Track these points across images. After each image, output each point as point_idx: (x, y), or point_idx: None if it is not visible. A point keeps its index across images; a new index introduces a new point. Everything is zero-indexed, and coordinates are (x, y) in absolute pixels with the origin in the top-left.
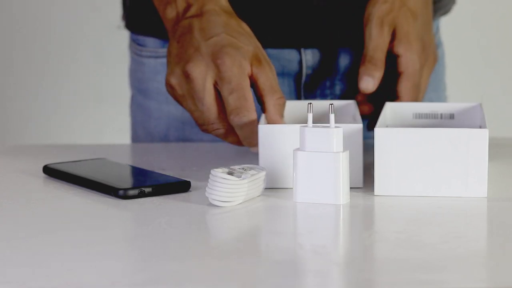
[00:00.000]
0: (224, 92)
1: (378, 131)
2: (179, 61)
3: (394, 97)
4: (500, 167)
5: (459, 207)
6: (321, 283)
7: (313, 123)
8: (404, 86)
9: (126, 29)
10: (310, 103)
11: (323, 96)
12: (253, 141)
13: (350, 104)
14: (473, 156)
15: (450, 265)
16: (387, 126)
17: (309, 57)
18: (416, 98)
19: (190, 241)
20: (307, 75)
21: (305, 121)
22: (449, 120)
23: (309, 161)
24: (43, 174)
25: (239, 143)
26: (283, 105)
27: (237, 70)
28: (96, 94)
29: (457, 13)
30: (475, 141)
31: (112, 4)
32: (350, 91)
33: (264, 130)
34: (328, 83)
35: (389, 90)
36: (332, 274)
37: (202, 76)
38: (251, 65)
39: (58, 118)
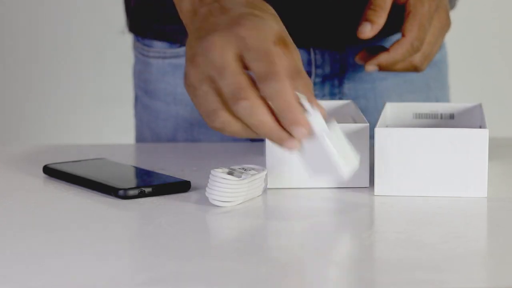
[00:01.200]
0: (250, 60)
1: (378, 131)
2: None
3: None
4: (500, 167)
5: (459, 207)
6: (321, 283)
7: None
8: (409, 23)
9: (130, 33)
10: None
11: (332, 95)
12: (294, 118)
13: (349, 104)
14: (473, 156)
15: (450, 265)
16: (387, 126)
17: (319, 56)
18: (422, 40)
19: (190, 241)
20: (317, 75)
21: None
22: (449, 120)
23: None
24: (43, 174)
25: (272, 130)
26: (310, 86)
27: (263, 35)
28: (97, 94)
29: (457, 13)
30: (475, 141)
31: (114, 5)
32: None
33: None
34: (336, 82)
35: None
36: (332, 274)
37: (221, 48)
38: (275, 46)
39: (58, 118)
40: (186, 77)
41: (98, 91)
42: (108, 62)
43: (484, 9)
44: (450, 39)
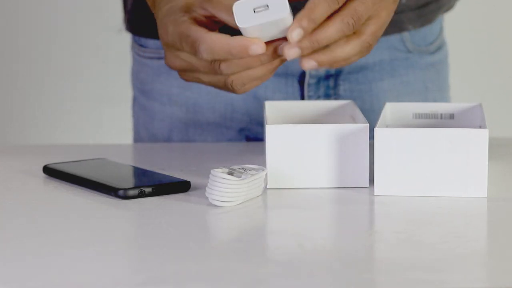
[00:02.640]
0: (182, 48)
1: (378, 131)
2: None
3: None
4: (500, 167)
5: (459, 207)
6: (321, 283)
7: (311, 123)
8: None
9: (127, 32)
10: None
11: (327, 97)
12: (240, 51)
13: (349, 104)
14: (473, 156)
15: (450, 265)
16: (387, 126)
17: None
18: None
19: (190, 241)
20: (311, 76)
21: (307, 122)
22: (449, 120)
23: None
24: (43, 174)
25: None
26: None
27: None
28: (97, 95)
29: (457, 13)
30: (475, 141)
31: (113, 4)
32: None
33: (272, 130)
34: (331, 83)
35: None
36: (332, 274)
37: (169, 58)
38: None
39: (58, 118)
40: (166, 60)
41: (98, 91)
42: (108, 63)
43: (484, 9)
44: (450, 39)
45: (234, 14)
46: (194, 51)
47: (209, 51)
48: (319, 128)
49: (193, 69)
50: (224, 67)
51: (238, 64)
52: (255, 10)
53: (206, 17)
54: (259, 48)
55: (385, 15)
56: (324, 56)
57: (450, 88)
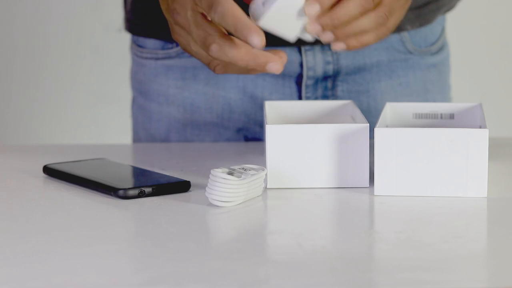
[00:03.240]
0: (199, 5)
1: (378, 131)
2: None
3: None
4: (500, 167)
5: (459, 207)
6: (321, 283)
7: (311, 123)
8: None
9: (127, 32)
10: None
11: (324, 98)
12: (244, 29)
13: (349, 104)
14: (473, 156)
15: (450, 265)
16: (387, 126)
17: (310, 58)
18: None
19: (190, 241)
20: (308, 77)
21: (307, 122)
22: (449, 120)
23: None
24: (43, 174)
25: (247, 55)
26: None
27: None
28: (97, 95)
29: (458, 13)
30: (475, 141)
31: (114, 4)
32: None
33: (272, 130)
34: (329, 85)
35: None
36: (332, 274)
37: (180, 10)
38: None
39: (58, 118)
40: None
41: (97, 92)
42: (108, 63)
43: (484, 9)
44: (451, 39)
45: (251, 15)
46: (210, 11)
47: (221, 15)
48: (319, 128)
49: (189, 32)
50: (214, 48)
51: (227, 55)
52: (263, 4)
53: None
54: (258, 40)
55: None
56: (339, 30)
57: (451, 88)
